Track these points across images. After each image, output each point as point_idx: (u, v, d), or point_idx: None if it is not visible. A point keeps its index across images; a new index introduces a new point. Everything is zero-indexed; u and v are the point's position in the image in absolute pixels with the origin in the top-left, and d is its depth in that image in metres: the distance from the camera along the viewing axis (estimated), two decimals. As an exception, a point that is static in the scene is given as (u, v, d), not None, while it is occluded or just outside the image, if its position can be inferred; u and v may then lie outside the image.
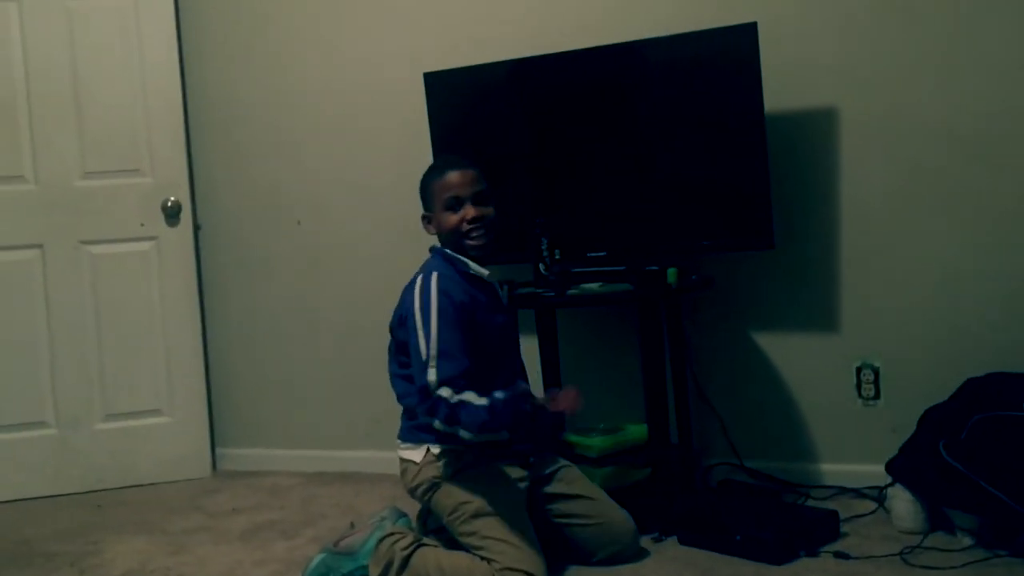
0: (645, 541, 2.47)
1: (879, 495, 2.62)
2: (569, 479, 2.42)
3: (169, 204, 3.45)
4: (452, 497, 2.24)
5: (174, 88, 3.47)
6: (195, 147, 3.61)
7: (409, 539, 2.26)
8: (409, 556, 2.21)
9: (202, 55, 3.58)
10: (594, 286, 2.73)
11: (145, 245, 3.46)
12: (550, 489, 2.38)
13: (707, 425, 2.96)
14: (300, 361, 3.53)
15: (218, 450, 3.65)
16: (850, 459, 2.82)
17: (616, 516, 2.37)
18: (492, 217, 2.36)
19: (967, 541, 2.31)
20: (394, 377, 2.42)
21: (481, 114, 3.02)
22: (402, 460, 2.37)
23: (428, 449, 2.30)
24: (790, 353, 2.90)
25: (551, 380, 3.02)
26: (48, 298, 3.40)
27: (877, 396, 2.80)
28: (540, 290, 2.74)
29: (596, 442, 2.67)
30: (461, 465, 2.27)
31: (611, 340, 3.07)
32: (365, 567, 2.29)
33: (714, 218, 2.74)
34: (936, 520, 2.42)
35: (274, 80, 3.52)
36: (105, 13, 3.40)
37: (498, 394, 2.14)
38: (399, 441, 2.40)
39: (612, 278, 2.74)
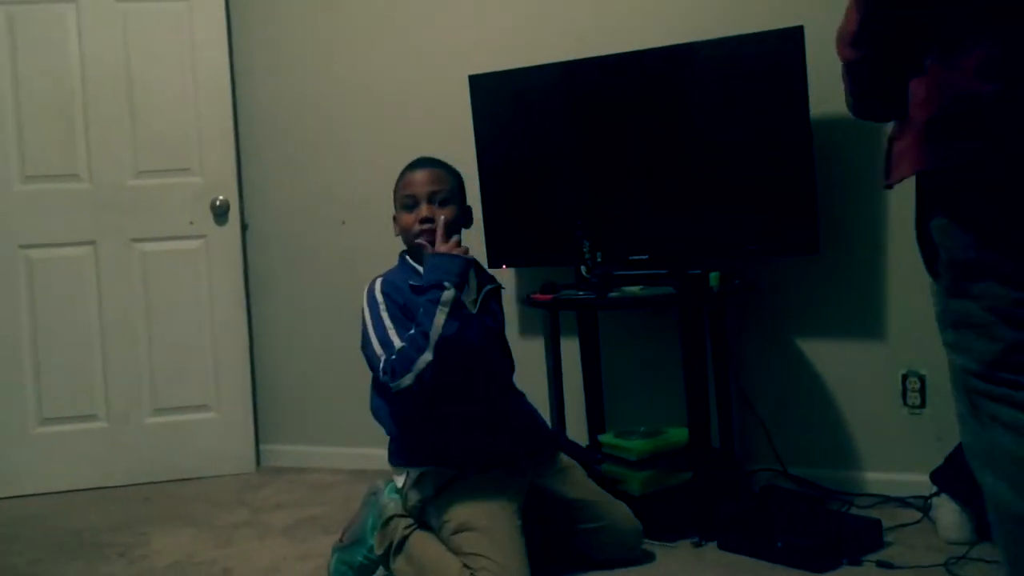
0: (684, 545, 2.47)
1: (924, 504, 2.59)
2: (572, 481, 2.37)
3: (218, 203, 3.51)
4: (437, 516, 2.20)
5: (224, 89, 3.53)
6: (244, 147, 3.67)
7: (409, 520, 2.26)
8: (406, 537, 2.21)
9: (252, 57, 3.64)
10: (635, 289, 2.73)
11: (194, 243, 3.53)
12: (552, 491, 2.33)
13: (750, 430, 2.95)
14: (343, 359, 3.55)
15: (262, 446, 3.70)
16: (895, 468, 2.79)
17: (621, 517, 2.35)
18: (450, 220, 2.27)
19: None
20: (371, 393, 2.34)
21: (525, 116, 3.03)
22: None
23: (408, 473, 2.26)
24: (835, 360, 2.87)
25: (592, 382, 3.03)
26: (100, 294, 3.48)
27: (923, 404, 2.76)
28: (582, 292, 2.75)
29: (636, 445, 2.66)
30: (443, 483, 2.21)
31: (653, 343, 3.07)
32: (372, 546, 2.30)
33: (759, 222, 2.72)
34: (982, 531, 2.38)
35: (322, 82, 3.57)
36: (159, 15, 3.47)
37: (411, 331, 2.13)
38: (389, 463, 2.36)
39: (654, 281, 2.74)
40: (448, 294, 2.11)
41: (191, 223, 3.52)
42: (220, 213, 3.52)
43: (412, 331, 2.12)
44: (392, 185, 2.39)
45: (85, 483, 3.45)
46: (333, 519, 2.90)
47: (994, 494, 1.38)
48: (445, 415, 2.22)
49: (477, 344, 2.21)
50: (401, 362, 2.10)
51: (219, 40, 3.52)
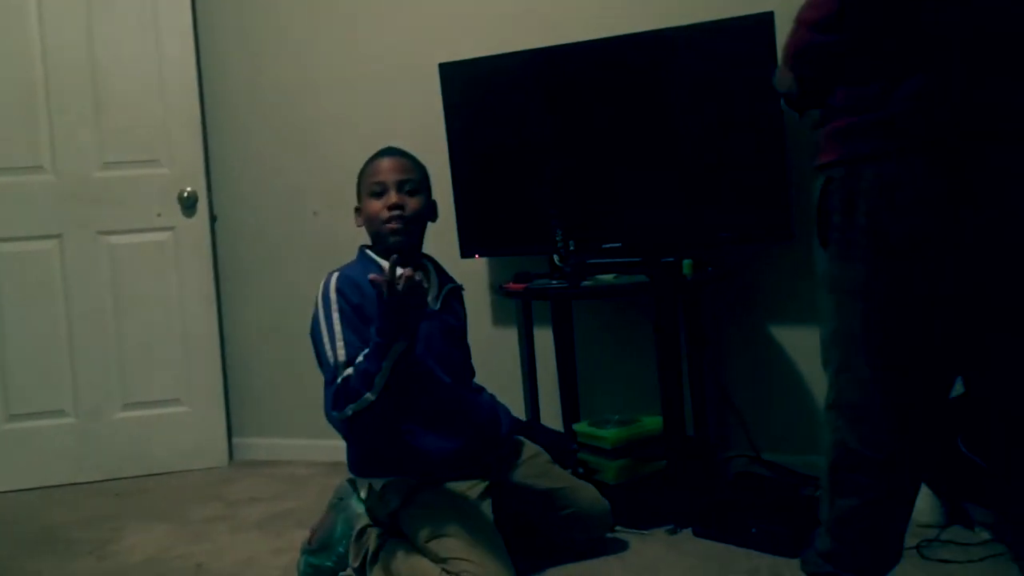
0: (659, 533, 2.47)
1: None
2: (537, 471, 2.35)
3: (186, 195, 3.46)
4: (409, 525, 2.14)
5: (191, 79, 3.48)
6: (212, 138, 3.63)
7: (381, 529, 2.21)
8: (381, 546, 2.16)
9: (219, 46, 3.60)
10: (609, 277, 2.73)
11: (162, 235, 3.48)
12: (518, 484, 2.31)
13: (725, 418, 2.96)
14: (317, 351, 3.54)
15: (235, 440, 3.67)
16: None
17: (589, 501, 2.33)
18: (418, 209, 2.22)
19: (985, 535, 2.30)
20: (326, 403, 2.17)
21: (496, 105, 3.01)
22: None
23: (370, 486, 2.21)
24: (808, 346, 2.88)
25: (566, 371, 3.02)
26: (67, 288, 3.42)
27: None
28: (555, 281, 2.74)
29: (610, 433, 2.67)
30: (408, 493, 2.16)
31: (627, 331, 3.07)
32: (343, 554, 2.26)
33: (732, 209, 2.72)
34: (954, 514, 2.40)
35: (290, 71, 3.53)
36: (123, 4, 3.41)
37: (359, 358, 2.01)
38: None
39: (627, 270, 2.74)
40: (398, 347, 1.97)
41: (159, 215, 3.47)
42: (188, 205, 3.48)
43: (360, 362, 2.00)
44: (363, 175, 2.35)
45: (55, 479, 3.41)
46: (308, 512, 2.88)
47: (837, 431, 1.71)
48: (400, 426, 2.16)
49: (428, 367, 2.16)
50: (345, 391, 2.00)
51: (185, 29, 3.46)
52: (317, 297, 2.17)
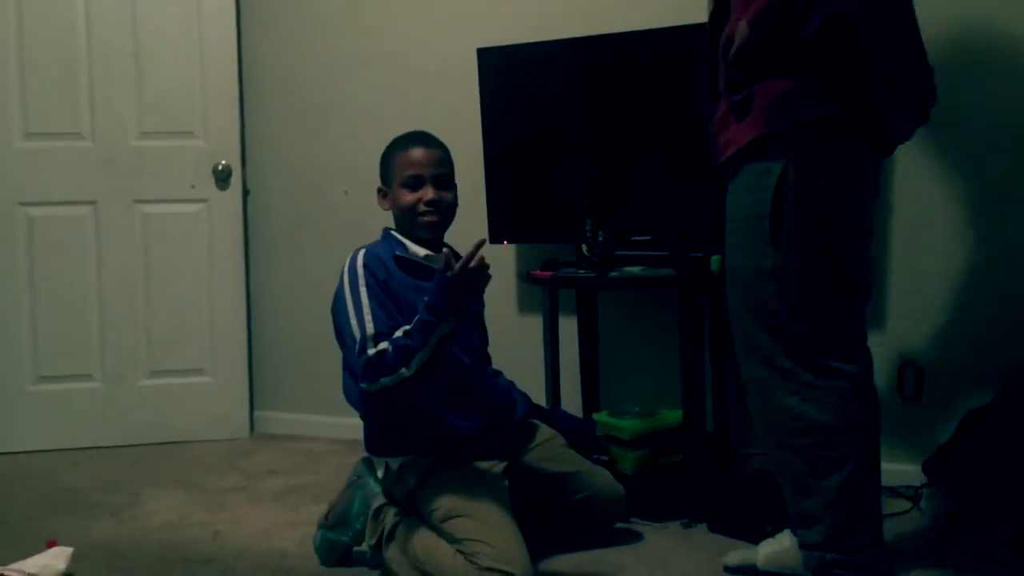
0: (674, 526, 2.47)
1: (915, 494, 2.59)
2: (552, 454, 2.34)
3: (220, 168, 3.49)
4: (424, 505, 2.14)
5: (231, 54, 3.51)
6: (248, 113, 3.65)
7: (398, 508, 2.21)
8: (397, 525, 2.17)
9: (260, 23, 3.62)
10: (636, 269, 2.72)
11: (195, 207, 3.52)
12: (533, 467, 2.31)
13: (744, 415, 2.95)
14: (341, 329, 3.56)
15: (256, 412, 3.71)
16: (888, 457, 2.77)
17: (604, 484, 2.33)
18: (451, 203, 2.25)
19: (1002, 543, 2.28)
20: (345, 380, 2.24)
21: (532, 92, 3.00)
22: None
23: (387, 465, 2.21)
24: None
25: (589, 361, 3.03)
26: (100, 255, 3.47)
27: (919, 395, 2.76)
28: (582, 270, 2.74)
29: (630, 424, 2.67)
30: (424, 472, 2.16)
31: (651, 324, 3.06)
32: (359, 531, 2.27)
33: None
34: (972, 521, 2.38)
35: (329, 50, 3.54)
36: (167, -24, 3.44)
37: (397, 332, 2.03)
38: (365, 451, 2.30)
39: (655, 262, 2.73)
40: (445, 327, 2.00)
41: (193, 186, 3.50)
42: (222, 178, 3.51)
43: (399, 337, 2.02)
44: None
45: (78, 442, 3.46)
46: (325, 487, 2.91)
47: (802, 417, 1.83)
48: (420, 405, 2.15)
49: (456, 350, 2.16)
50: (378, 364, 2.00)
51: (227, 4, 3.49)
52: (343, 272, 2.18)
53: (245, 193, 3.63)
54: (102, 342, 3.48)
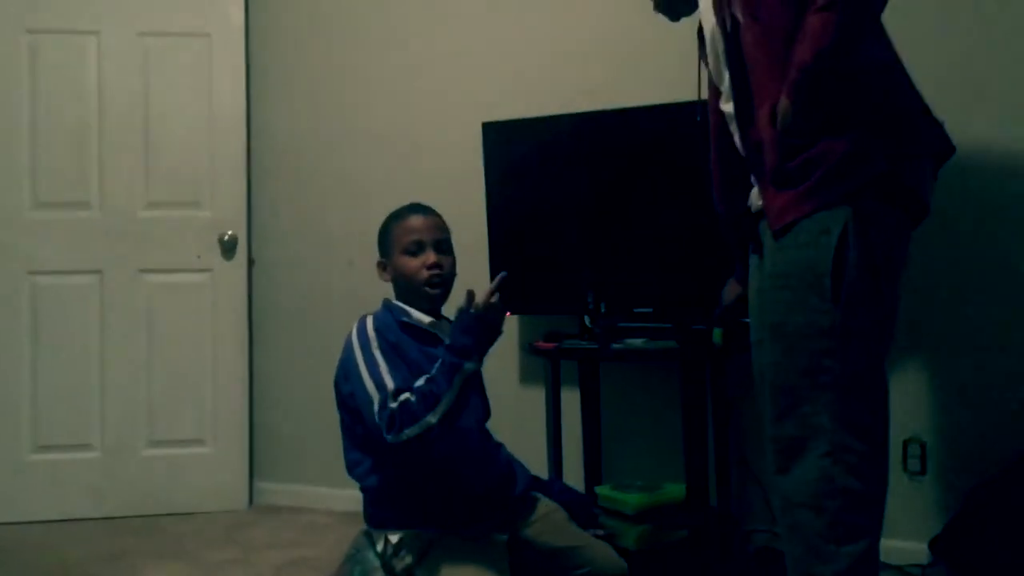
0: (678, 604, 2.44)
1: (921, 573, 2.55)
2: (553, 528, 2.28)
3: (226, 238, 3.53)
4: None
5: (239, 126, 3.57)
6: (255, 184, 3.70)
7: None
8: None
9: (268, 95, 3.69)
10: (639, 342, 2.73)
11: (200, 277, 3.54)
12: (533, 541, 2.25)
13: (748, 490, 2.92)
14: (343, 400, 3.55)
15: (257, 484, 3.67)
16: (893, 535, 2.74)
17: (605, 559, 2.26)
18: (451, 268, 2.26)
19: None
20: (344, 446, 2.24)
21: (535, 165, 3.05)
22: None
23: (386, 538, 2.16)
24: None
25: (591, 433, 3.01)
26: (103, 324, 3.48)
27: (923, 471, 2.74)
28: (585, 342, 2.74)
29: (633, 499, 2.64)
30: (423, 547, 2.13)
31: (654, 397, 3.06)
32: None
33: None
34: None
35: (335, 123, 3.60)
36: (179, 50, 3.52)
37: (419, 381, 2.03)
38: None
39: (658, 335, 2.74)
40: (470, 367, 2.02)
41: (198, 256, 3.53)
42: (228, 248, 3.54)
43: (422, 385, 2.03)
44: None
45: (77, 513, 3.42)
46: (325, 561, 2.87)
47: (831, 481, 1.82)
48: (427, 473, 2.13)
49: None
50: (401, 415, 2.01)
51: (237, 77, 3.56)
52: (351, 339, 2.18)
53: (250, 263, 3.65)
54: (103, 411, 3.47)
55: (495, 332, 2.06)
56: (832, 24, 1.71)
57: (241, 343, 3.59)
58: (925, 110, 1.91)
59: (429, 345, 2.18)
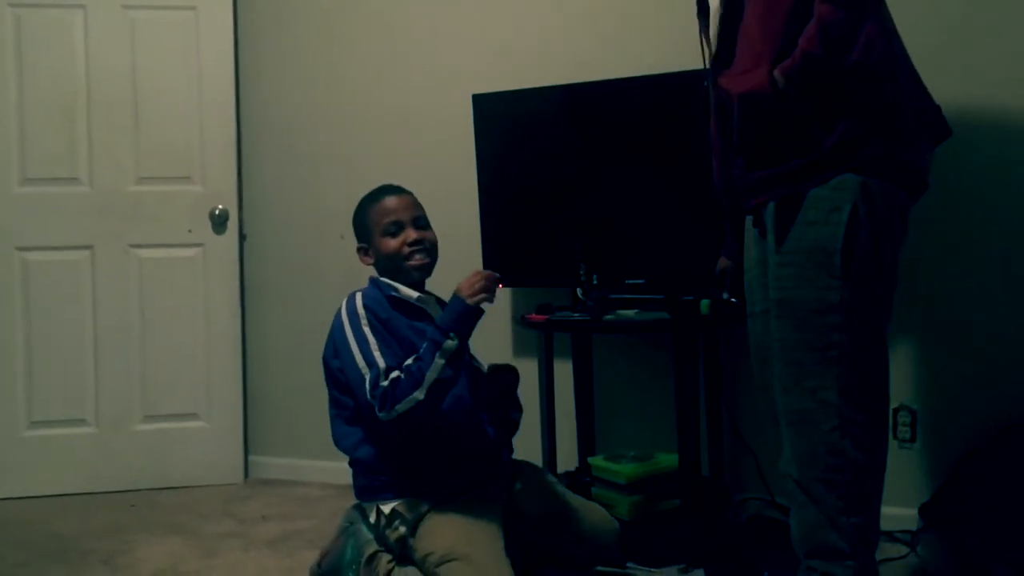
0: (671, 572, 2.46)
1: (911, 539, 2.58)
2: (541, 492, 2.31)
3: (217, 212, 3.52)
4: (418, 550, 2.12)
5: (228, 99, 3.55)
6: (246, 158, 3.68)
7: (391, 556, 2.18)
8: (390, 572, 2.14)
9: (257, 68, 3.66)
10: (631, 313, 2.74)
11: (192, 251, 3.53)
12: (522, 507, 2.27)
13: (740, 459, 2.95)
14: (336, 373, 3.56)
15: (251, 457, 3.69)
16: (884, 501, 2.78)
17: (597, 520, 2.30)
18: (433, 242, 2.30)
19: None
20: (332, 419, 2.30)
21: (527, 137, 3.04)
22: None
23: (378, 509, 2.20)
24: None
25: (584, 405, 3.03)
26: (95, 299, 3.47)
27: (913, 439, 2.76)
28: (577, 314, 2.75)
29: (626, 469, 2.67)
30: (418, 516, 2.16)
31: (646, 368, 3.07)
32: None
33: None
34: (969, 565, 2.37)
35: (326, 96, 3.58)
36: (166, 23, 3.49)
37: (408, 361, 2.09)
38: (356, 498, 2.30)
39: (650, 306, 2.75)
40: (451, 344, 2.07)
41: (190, 231, 3.52)
42: (219, 222, 3.53)
43: (410, 363, 2.08)
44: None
45: (72, 488, 3.43)
46: (320, 533, 2.89)
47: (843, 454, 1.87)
48: (419, 444, 2.16)
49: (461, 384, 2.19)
50: (392, 392, 2.06)
51: (225, 50, 3.54)
52: (340, 315, 2.20)
53: (242, 238, 3.64)
54: (97, 387, 3.47)
55: (478, 314, 2.12)
56: (840, 20, 1.75)
57: (234, 317, 3.59)
58: (924, 95, 1.92)
59: (418, 320, 2.21)
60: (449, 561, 2.05)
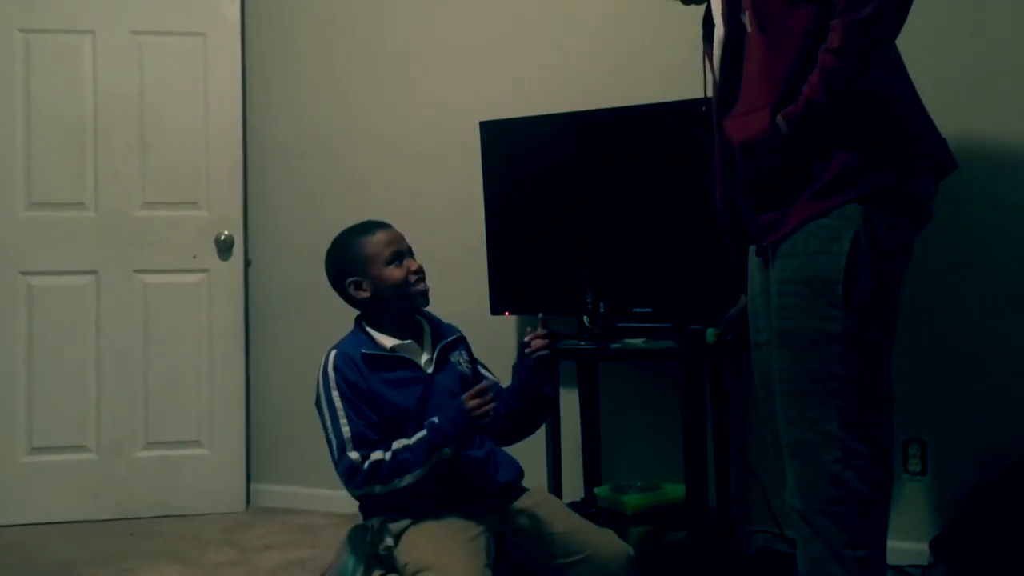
0: (678, 605, 2.42)
1: (922, 574, 2.54)
2: (547, 515, 2.26)
3: (223, 238, 3.51)
4: (399, 562, 2.13)
5: (236, 125, 3.56)
6: (252, 184, 3.68)
7: (383, 569, 2.19)
8: None
9: (265, 95, 3.67)
10: (638, 341, 2.72)
11: (197, 277, 3.53)
12: (526, 530, 2.23)
13: (748, 490, 2.91)
14: (340, 400, 3.54)
15: (253, 485, 3.66)
16: (893, 535, 2.71)
17: (605, 544, 2.23)
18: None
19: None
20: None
21: (534, 164, 3.04)
22: None
23: (371, 524, 2.23)
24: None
25: (590, 434, 3.00)
26: (99, 324, 3.46)
27: (924, 471, 2.73)
28: (583, 342, 2.73)
29: (632, 499, 2.64)
30: (401, 530, 2.17)
31: (653, 397, 3.04)
32: None
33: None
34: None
35: (333, 123, 3.59)
36: (174, 50, 3.51)
37: (396, 444, 2.12)
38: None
39: (657, 334, 2.73)
40: (447, 453, 2.11)
41: (194, 257, 3.51)
42: (224, 248, 3.52)
43: (399, 450, 2.11)
44: (401, 231, 2.35)
45: (72, 515, 3.40)
46: (321, 562, 2.85)
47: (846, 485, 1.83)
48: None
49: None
50: (371, 475, 2.10)
51: (233, 76, 3.55)
52: (318, 373, 2.24)
53: (247, 264, 3.64)
54: (99, 412, 3.46)
55: (479, 430, 2.16)
56: (844, 70, 1.75)
57: (238, 344, 3.57)
58: (929, 127, 1.91)
59: (392, 371, 2.23)
60: (421, 571, 2.04)
